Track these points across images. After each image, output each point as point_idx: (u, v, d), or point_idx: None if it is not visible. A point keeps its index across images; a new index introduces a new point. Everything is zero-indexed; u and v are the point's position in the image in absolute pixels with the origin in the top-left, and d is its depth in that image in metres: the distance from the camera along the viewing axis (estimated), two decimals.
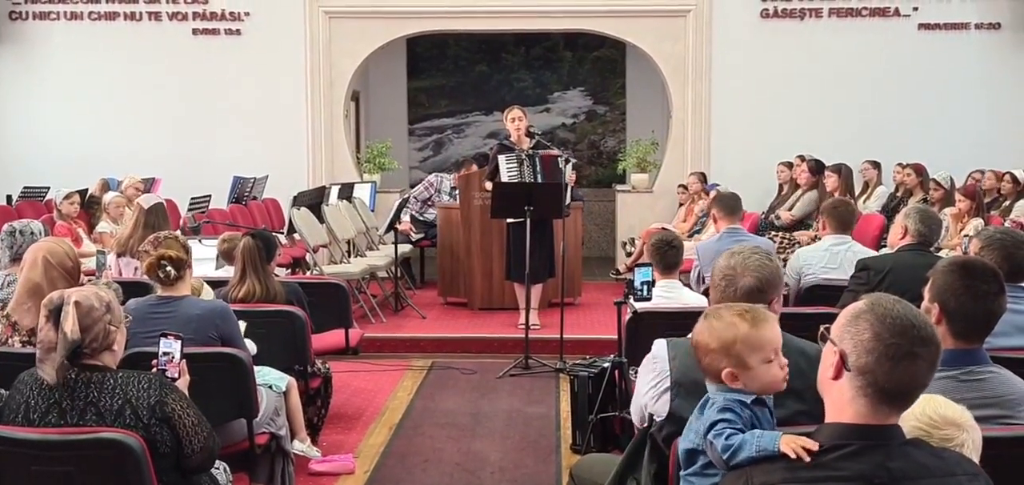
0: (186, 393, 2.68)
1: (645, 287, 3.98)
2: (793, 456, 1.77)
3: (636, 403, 2.59)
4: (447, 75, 12.18)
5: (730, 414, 1.97)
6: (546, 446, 4.87)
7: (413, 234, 8.65)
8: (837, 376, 1.79)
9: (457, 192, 8.93)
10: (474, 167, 8.66)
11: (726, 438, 1.90)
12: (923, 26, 9.48)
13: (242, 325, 3.67)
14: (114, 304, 2.53)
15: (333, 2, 9.61)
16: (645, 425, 2.51)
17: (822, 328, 1.88)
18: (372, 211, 9.19)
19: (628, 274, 8.58)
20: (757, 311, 2.12)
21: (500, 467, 4.56)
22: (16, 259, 4.08)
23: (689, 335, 2.49)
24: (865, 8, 9.51)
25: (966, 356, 2.37)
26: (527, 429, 5.13)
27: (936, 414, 1.95)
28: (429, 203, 9.11)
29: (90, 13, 9.77)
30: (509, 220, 6.85)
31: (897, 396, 1.76)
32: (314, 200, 7.94)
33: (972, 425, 1.99)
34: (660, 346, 2.48)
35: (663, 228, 8.70)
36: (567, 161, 6.64)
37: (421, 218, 9.02)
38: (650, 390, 2.45)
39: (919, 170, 8.11)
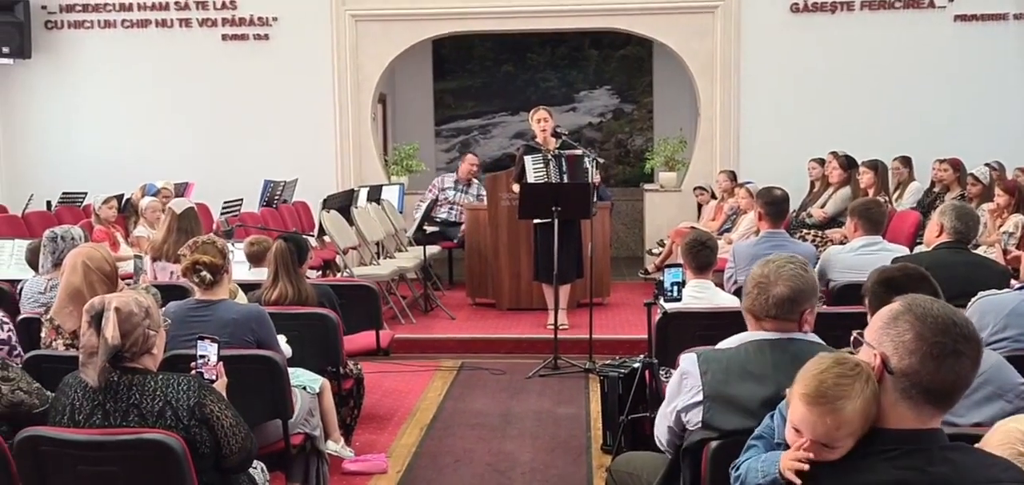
0: (224, 395, 2.73)
1: (675, 288, 3.96)
2: (795, 476, 1.77)
3: (661, 424, 2.58)
4: (473, 76, 12.21)
5: (759, 441, 1.96)
6: (577, 447, 4.87)
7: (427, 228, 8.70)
8: (878, 380, 1.77)
9: (461, 186, 9.14)
10: (469, 156, 9.43)
11: (738, 470, 1.90)
12: (959, 17, 9.31)
13: (281, 339, 3.72)
14: (153, 309, 2.58)
15: (359, 5, 9.68)
16: (676, 443, 2.51)
17: (855, 334, 1.86)
18: (400, 213, 9.26)
19: (657, 274, 8.59)
20: (819, 391, 1.82)
21: (531, 468, 4.57)
22: (57, 264, 4.16)
23: (718, 345, 2.51)
24: (898, 0, 9.38)
25: None
26: (557, 430, 5.14)
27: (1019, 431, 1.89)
28: (438, 204, 9.18)
29: (123, 21, 9.94)
30: (536, 221, 6.86)
31: (942, 396, 1.74)
32: (343, 203, 8.00)
33: None
34: (690, 362, 2.48)
35: (692, 227, 8.70)
36: (594, 161, 6.63)
37: (436, 219, 9.08)
38: (683, 405, 2.45)
39: (956, 165, 7.97)
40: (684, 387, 2.47)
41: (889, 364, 1.75)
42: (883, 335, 1.77)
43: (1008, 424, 1.92)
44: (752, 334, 2.54)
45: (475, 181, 9.44)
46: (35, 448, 2.50)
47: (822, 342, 2.55)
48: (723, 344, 2.60)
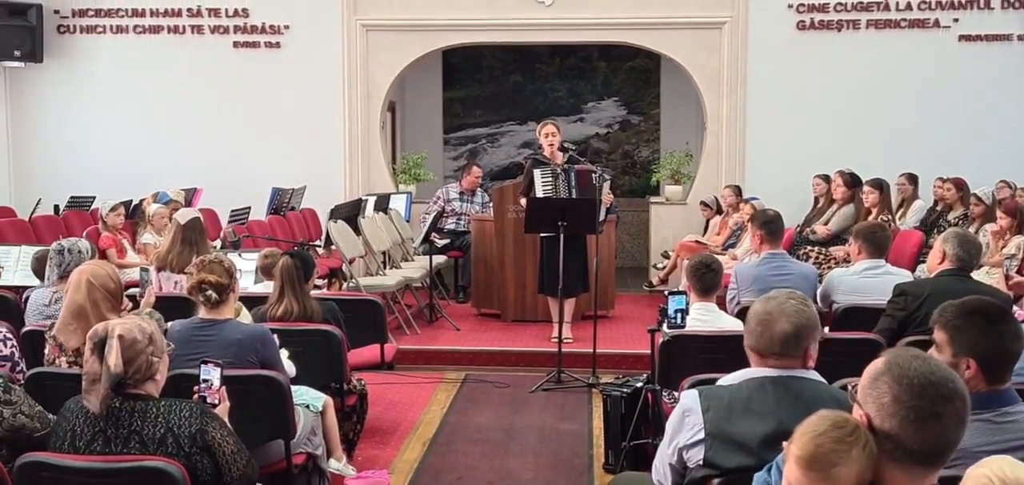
0: (226, 419, 2.75)
1: (679, 315, 3.96)
2: None
3: (662, 464, 2.58)
4: (482, 85, 12.26)
5: None
6: (579, 465, 4.88)
7: (438, 241, 8.75)
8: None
9: (466, 196, 9.22)
10: (475, 168, 9.38)
11: None
12: (964, 37, 9.31)
13: (284, 352, 3.74)
14: (156, 335, 2.60)
15: (370, 15, 9.72)
16: (678, 481, 2.51)
17: (850, 387, 1.87)
18: (407, 222, 9.29)
19: (661, 287, 8.61)
20: (815, 456, 1.80)
21: None
22: (64, 276, 4.19)
23: (720, 382, 2.50)
24: (904, 19, 9.37)
25: (998, 398, 2.35)
26: (560, 446, 5.15)
27: (1005, 476, 1.88)
28: (445, 215, 9.22)
29: (135, 27, 9.99)
30: (542, 234, 6.88)
31: (928, 457, 1.73)
32: (351, 213, 8.03)
33: None
34: (692, 398, 2.47)
35: (697, 241, 8.72)
36: (604, 179, 6.64)
37: (442, 229, 9.12)
38: (685, 443, 2.45)
39: (959, 185, 7.96)
40: (685, 424, 2.46)
41: (873, 424, 1.76)
42: (867, 394, 1.78)
43: (977, 470, 1.91)
44: (754, 371, 2.54)
45: (479, 190, 9.47)
46: (35, 474, 2.51)
47: (824, 381, 2.55)
48: (725, 380, 2.60)
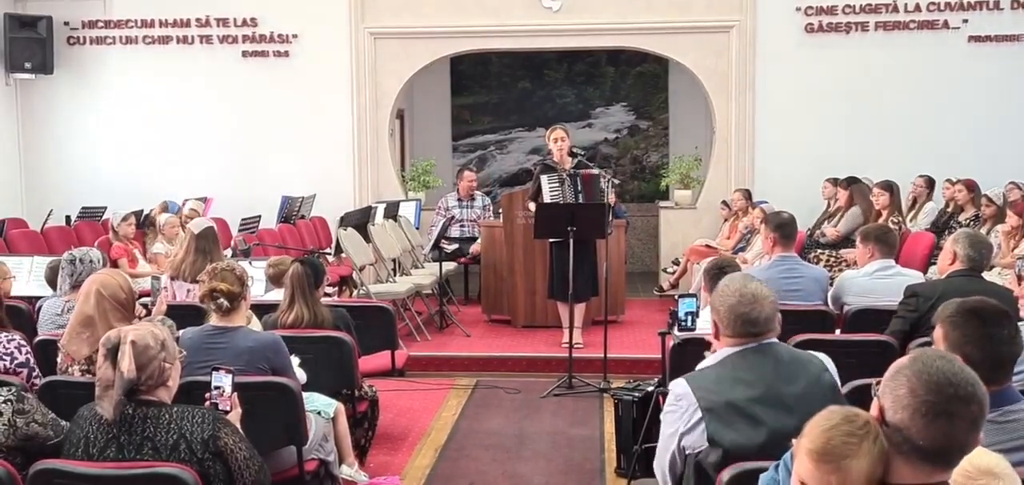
0: (238, 426, 2.76)
1: (689, 318, 3.96)
2: None
3: (664, 455, 2.62)
4: (490, 92, 12.27)
5: None
6: (590, 470, 4.88)
7: (446, 246, 8.78)
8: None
9: (464, 203, 9.34)
10: (467, 173, 9.53)
11: None
12: (974, 38, 9.28)
13: (295, 359, 3.75)
14: (168, 341, 2.62)
15: (378, 23, 9.75)
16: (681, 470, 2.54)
17: (875, 382, 1.88)
18: (417, 229, 9.31)
19: (672, 291, 8.59)
20: (826, 449, 1.82)
21: None
22: (76, 286, 4.22)
23: (699, 366, 2.55)
24: (913, 21, 9.34)
25: (999, 397, 2.33)
26: (571, 452, 5.14)
27: (970, 464, 1.90)
28: (450, 223, 9.25)
29: (144, 37, 10.05)
30: (552, 239, 6.88)
31: (935, 456, 1.73)
32: (360, 220, 8.06)
33: (1008, 474, 1.95)
34: (680, 385, 2.56)
35: (706, 245, 8.70)
36: (608, 181, 6.65)
37: (449, 236, 9.14)
38: (682, 428, 2.49)
39: (970, 186, 7.93)
40: (680, 408, 2.54)
41: (885, 415, 1.77)
42: (886, 386, 1.79)
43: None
44: (729, 349, 2.64)
45: (477, 194, 9.50)
46: (49, 481, 2.53)
47: (792, 347, 2.68)
48: (705, 363, 2.71)
